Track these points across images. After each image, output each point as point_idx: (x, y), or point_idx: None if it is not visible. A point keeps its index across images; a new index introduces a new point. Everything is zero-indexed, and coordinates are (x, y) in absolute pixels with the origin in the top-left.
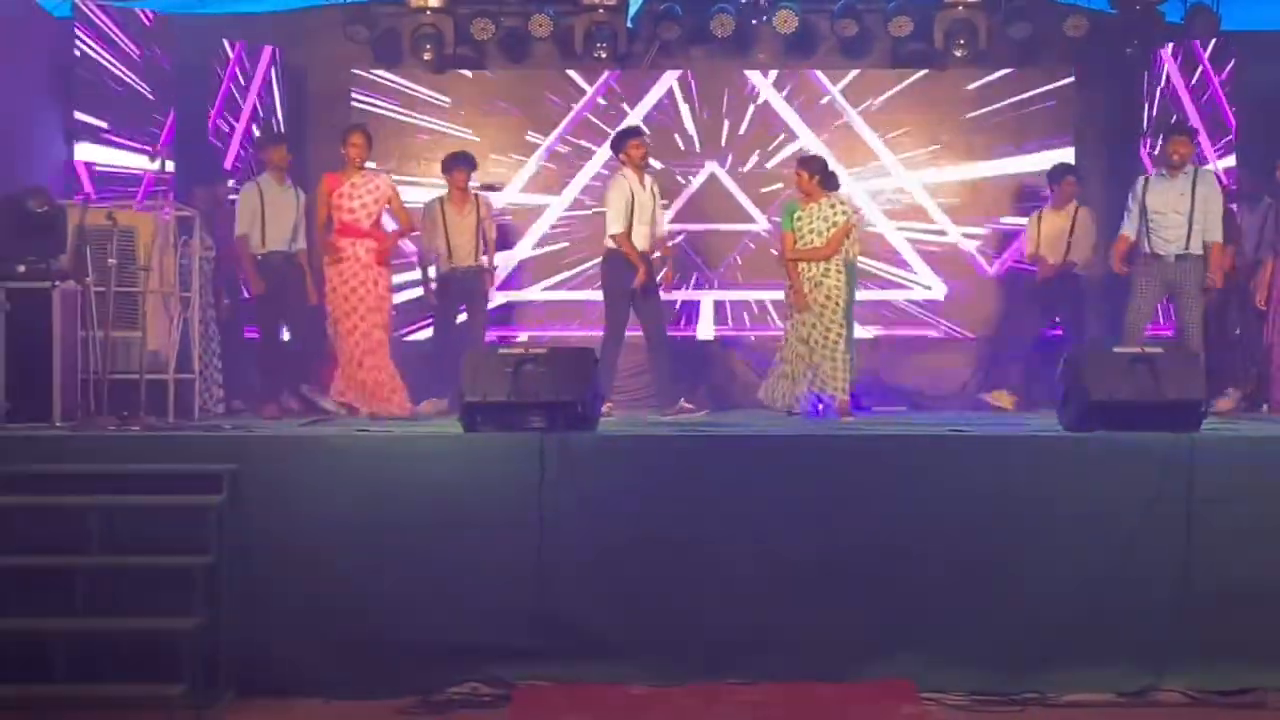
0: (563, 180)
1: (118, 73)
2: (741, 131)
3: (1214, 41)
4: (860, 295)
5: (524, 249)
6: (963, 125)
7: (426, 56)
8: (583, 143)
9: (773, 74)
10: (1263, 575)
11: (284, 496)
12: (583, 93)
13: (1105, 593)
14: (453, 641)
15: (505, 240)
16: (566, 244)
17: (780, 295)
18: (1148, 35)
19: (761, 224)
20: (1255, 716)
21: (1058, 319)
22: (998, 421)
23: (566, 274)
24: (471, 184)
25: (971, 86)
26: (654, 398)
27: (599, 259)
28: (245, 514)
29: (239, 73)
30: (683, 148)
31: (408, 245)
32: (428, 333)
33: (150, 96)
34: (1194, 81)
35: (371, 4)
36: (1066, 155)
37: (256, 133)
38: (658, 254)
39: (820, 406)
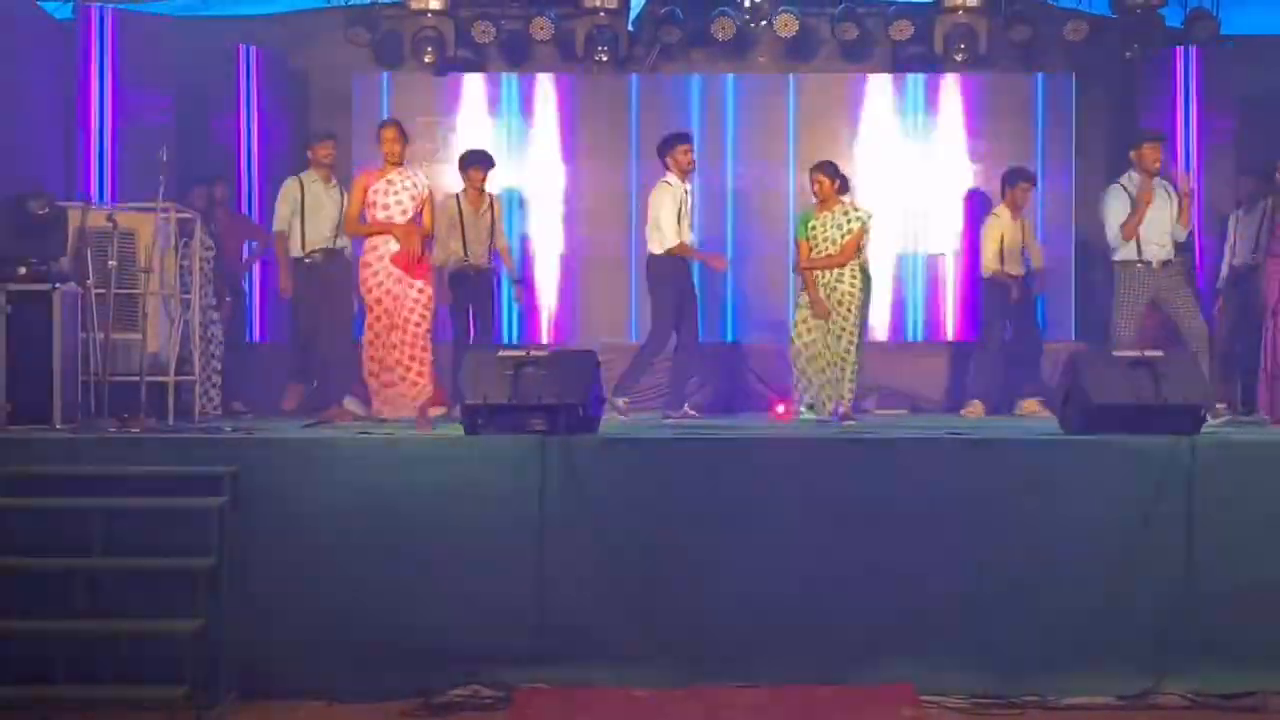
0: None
1: (119, 75)
2: (741, 135)
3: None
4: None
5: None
6: (962, 128)
7: (428, 59)
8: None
9: (775, 77)
10: (1263, 578)
11: (285, 498)
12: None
13: (1105, 596)
14: (454, 644)
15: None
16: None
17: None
18: (1147, 39)
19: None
20: None
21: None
22: (996, 425)
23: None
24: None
25: (971, 90)
26: (665, 399)
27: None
28: (246, 516)
29: (240, 75)
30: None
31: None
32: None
33: (151, 99)
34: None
35: (372, 6)
36: (1067, 160)
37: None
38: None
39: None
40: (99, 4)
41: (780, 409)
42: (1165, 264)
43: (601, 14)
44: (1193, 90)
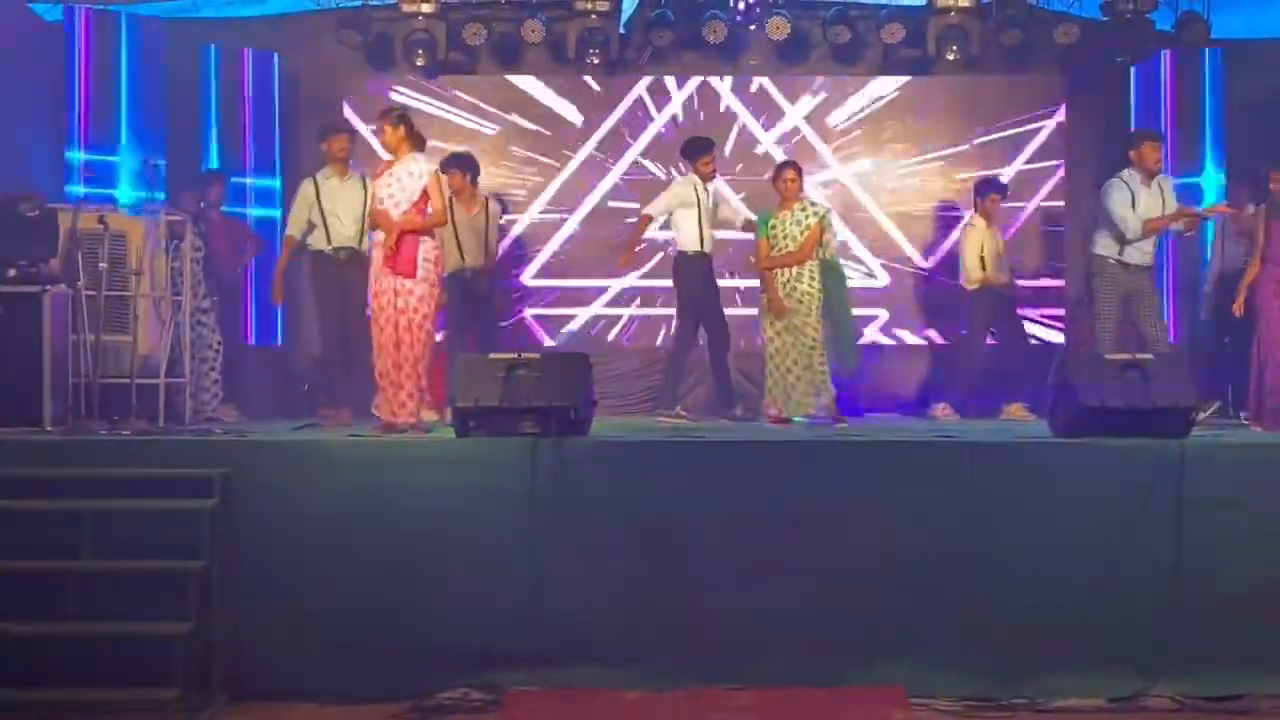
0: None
1: (109, 77)
2: (732, 137)
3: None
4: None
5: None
6: (953, 132)
7: (419, 61)
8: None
9: (764, 79)
10: (1252, 581)
11: (276, 501)
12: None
13: (1095, 598)
14: (445, 646)
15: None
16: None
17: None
18: (1138, 43)
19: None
20: None
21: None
22: (988, 427)
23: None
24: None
25: (963, 94)
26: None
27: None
28: (238, 518)
29: (231, 78)
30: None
31: None
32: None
33: (142, 100)
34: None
35: (364, 9)
36: (1057, 163)
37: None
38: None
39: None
40: (89, 6)
41: (773, 411)
42: (1143, 268)
43: (593, 16)
44: (1181, 94)
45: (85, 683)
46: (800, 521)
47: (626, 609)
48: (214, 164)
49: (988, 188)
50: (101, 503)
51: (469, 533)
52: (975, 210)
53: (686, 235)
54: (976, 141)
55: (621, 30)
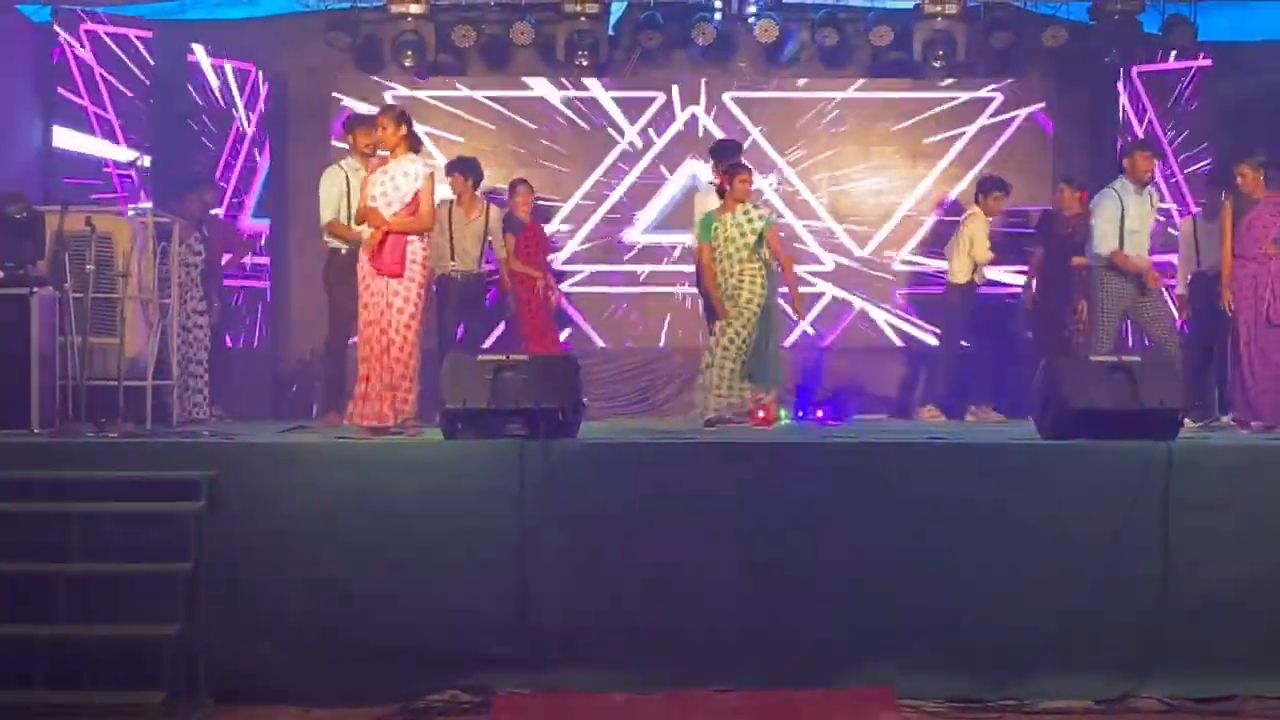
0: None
1: (98, 79)
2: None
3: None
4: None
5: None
6: (941, 133)
7: (408, 63)
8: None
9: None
10: (1240, 583)
11: (263, 503)
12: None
13: (1083, 600)
14: (433, 649)
15: None
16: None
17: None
18: (1126, 46)
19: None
20: None
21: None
22: (976, 430)
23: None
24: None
25: (951, 95)
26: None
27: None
28: (225, 521)
29: (220, 79)
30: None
31: None
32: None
33: (130, 103)
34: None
35: (353, 11)
36: (1045, 164)
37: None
38: None
39: (820, 413)
40: (77, 8)
41: (760, 413)
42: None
43: (582, 19)
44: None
45: (71, 685)
46: (787, 523)
47: (614, 611)
48: (203, 166)
49: (990, 186)
50: (88, 505)
51: (456, 535)
52: (976, 206)
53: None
54: (962, 145)
55: (610, 32)
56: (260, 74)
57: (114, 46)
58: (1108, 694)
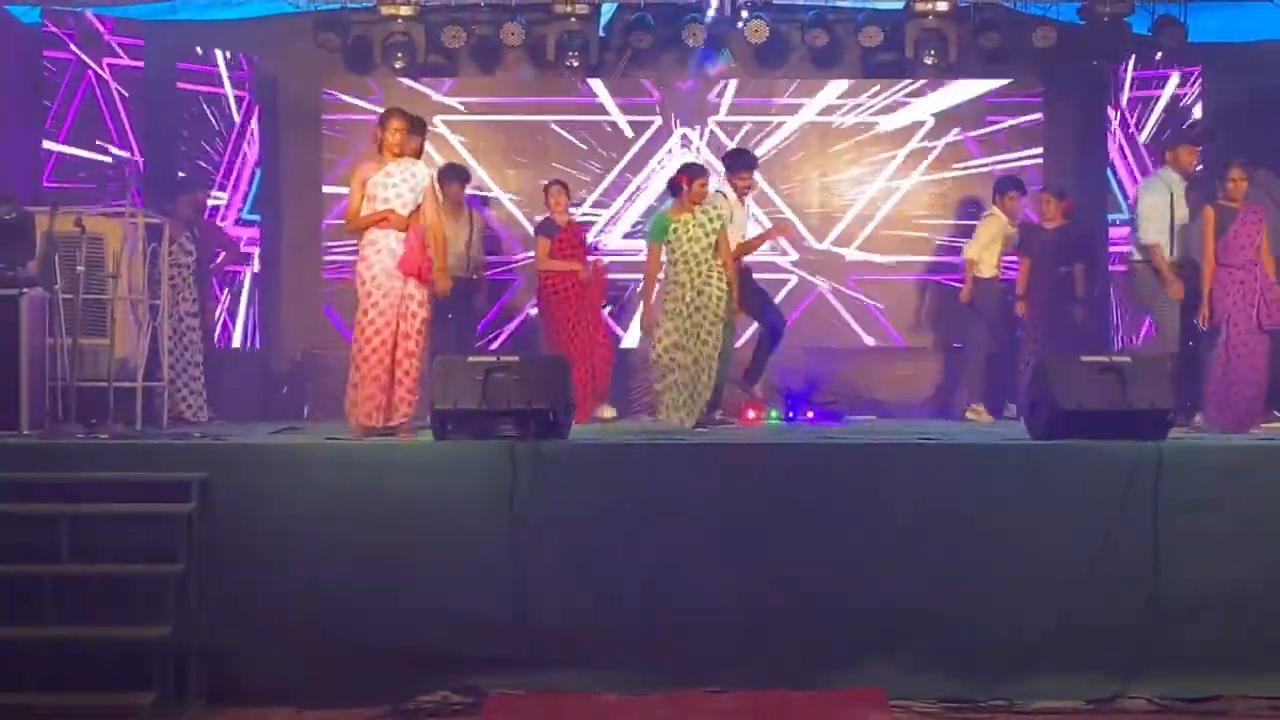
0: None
1: (87, 80)
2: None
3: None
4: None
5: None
6: (931, 135)
7: (398, 64)
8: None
9: (744, 82)
10: (1229, 583)
11: (254, 504)
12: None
13: (1073, 601)
14: (424, 650)
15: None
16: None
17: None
18: (1116, 46)
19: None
20: None
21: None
22: (966, 430)
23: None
24: None
25: (942, 96)
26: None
27: None
28: (215, 522)
29: (210, 80)
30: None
31: None
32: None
33: (121, 103)
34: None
35: (343, 11)
36: (1034, 166)
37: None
38: None
39: (810, 414)
40: (67, 9)
41: (750, 414)
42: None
43: (572, 19)
44: (1158, 97)
45: (62, 687)
46: (779, 524)
47: (606, 612)
48: (193, 167)
49: (1007, 185)
50: (79, 506)
51: (448, 536)
52: (995, 206)
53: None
54: (952, 145)
55: (601, 33)
56: (251, 75)
57: (104, 47)
58: (1098, 694)
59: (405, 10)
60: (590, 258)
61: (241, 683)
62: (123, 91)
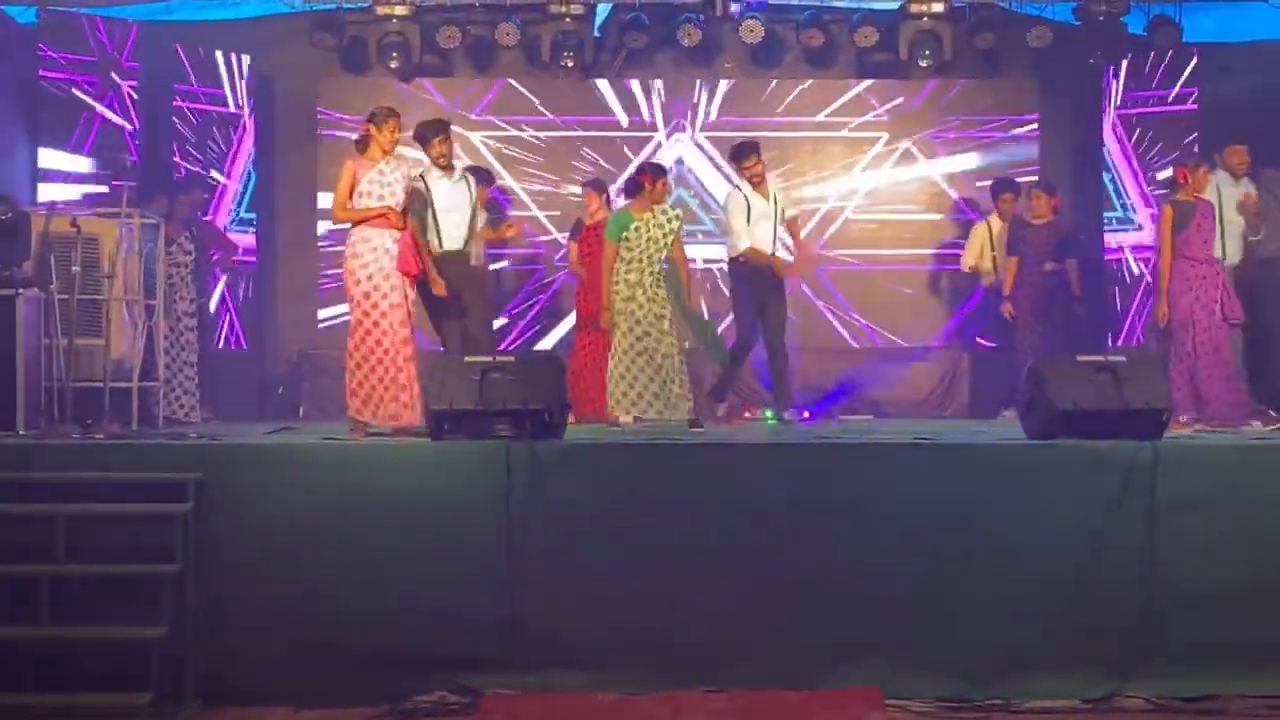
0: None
1: (83, 80)
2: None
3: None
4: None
5: None
6: (926, 134)
7: (393, 64)
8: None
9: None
10: (1225, 582)
11: (251, 505)
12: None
13: (1069, 600)
14: (421, 650)
15: None
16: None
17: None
18: (1111, 46)
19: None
20: None
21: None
22: (962, 430)
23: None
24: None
25: (936, 96)
26: (775, 401)
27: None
28: (212, 522)
29: (206, 80)
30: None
31: None
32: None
33: (116, 103)
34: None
35: (338, 12)
36: (1030, 165)
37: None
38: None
39: (806, 414)
40: (63, 9)
41: (746, 414)
42: (1234, 267)
43: (567, 19)
44: (1153, 98)
45: (58, 687)
46: (775, 523)
47: (602, 612)
48: (190, 167)
49: (1000, 188)
50: (75, 507)
51: (444, 536)
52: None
53: (739, 239)
54: (947, 145)
55: (596, 33)
56: (246, 75)
57: (100, 48)
58: (1094, 693)
59: (400, 10)
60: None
61: (238, 683)
62: (119, 92)
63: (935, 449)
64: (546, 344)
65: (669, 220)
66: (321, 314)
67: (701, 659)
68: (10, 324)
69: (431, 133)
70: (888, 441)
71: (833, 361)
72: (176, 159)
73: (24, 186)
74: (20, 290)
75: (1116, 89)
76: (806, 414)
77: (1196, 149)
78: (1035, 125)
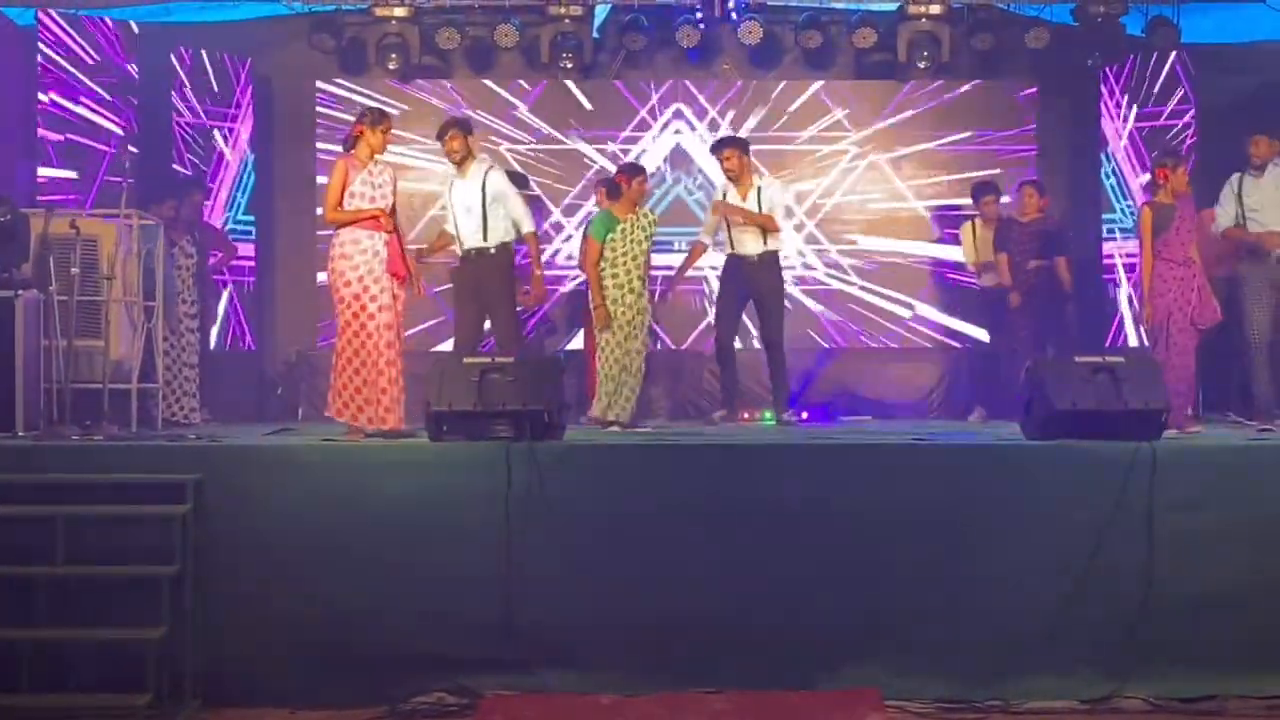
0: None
1: (82, 82)
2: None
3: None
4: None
5: None
6: (926, 136)
7: (392, 66)
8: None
9: (738, 84)
10: (1224, 582)
11: (249, 506)
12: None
13: (1068, 601)
14: (419, 651)
15: None
16: None
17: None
18: (1109, 47)
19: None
20: None
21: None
22: (961, 431)
23: None
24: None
25: (934, 97)
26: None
27: None
28: (210, 523)
29: (205, 82)
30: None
31: None
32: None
33: (115, 106)
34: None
35: (337, 13)
36: (1028, 166)
37: (219, 142)
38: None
39: (804, 414)
40: (62, 10)
41: (745, 415)
42: None
43: (566, 21)
44: (1150, 99)
45: (57, 688)
46: (773, 524)
47: (601, 612)
48: (186, 169)
49: (982, 190)
50: (74, 508)
51: (443, 537)
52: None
53: (742, 239)
54: (946, 147)
55: (595, 35)
56: (245, 77)
57: (99, 49)
58: (1093, 694)
59: (399, 12)
60: None
61: (237, 684)
62: (117, 93)
63: (934, 449)
64: (577, 344)
65: (650, 224)
66: (320, 313)
67: (700, 659)
68: (9, 325)
69: (442, 130)
70: (887, 443)
71: (832, 362)
72: (175, 161)
73: (23, 187)
74: (19, 292)
75: (1115, 90)
76: (805, 414)
77: (1191, 151)
78: (1033, 126)
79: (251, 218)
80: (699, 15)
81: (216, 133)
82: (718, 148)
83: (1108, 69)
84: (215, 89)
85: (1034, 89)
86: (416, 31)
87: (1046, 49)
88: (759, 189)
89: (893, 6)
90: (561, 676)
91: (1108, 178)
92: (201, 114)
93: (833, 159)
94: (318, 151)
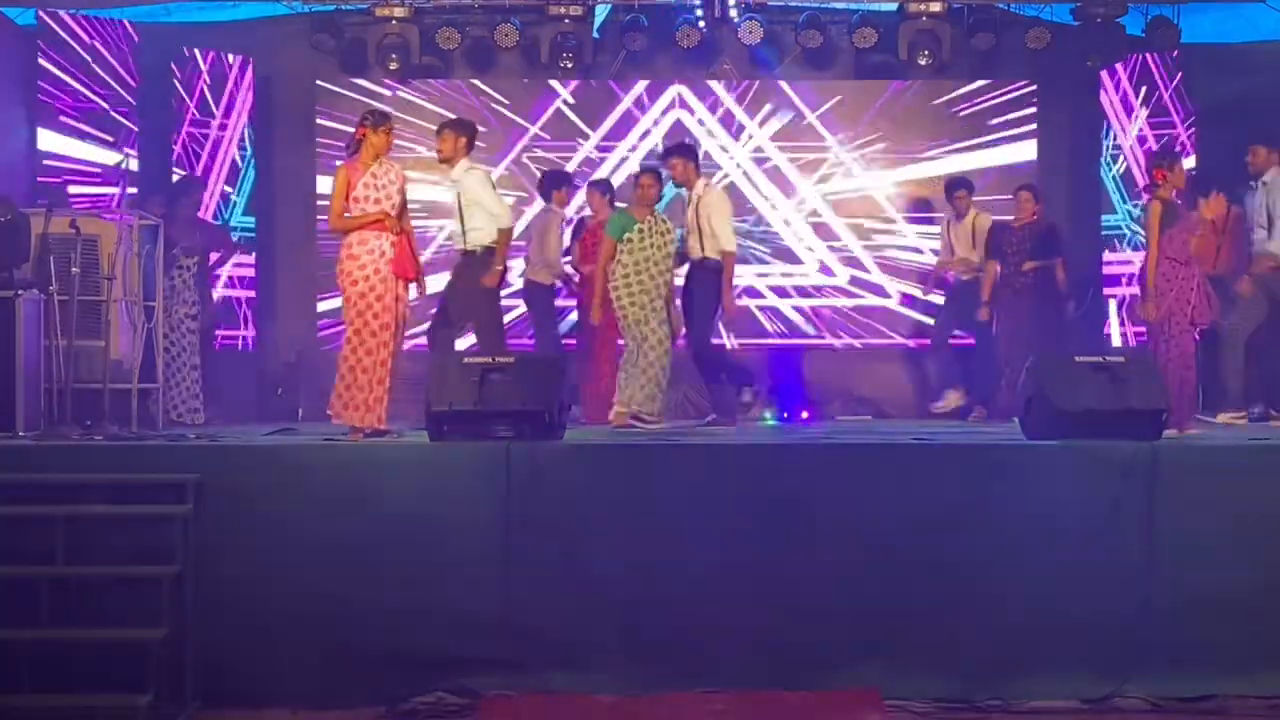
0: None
1: (82, 82)
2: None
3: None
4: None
5: None
6: (926, 135)
7: (392, 66)
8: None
9: (738, 84)
10: (1223, 582)
11: (250, 506)
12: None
13: (1068, 600)
14: (420, 651)
15: None
16: None
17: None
18: (1109, 47)
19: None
20: None
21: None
22: (961, 430)
23: None
24: None
25: (934, 97)
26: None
27: None
28: (211, 523)
29: (205, 82)
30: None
31: None
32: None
33: (115, 105)
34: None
35: (337, 13)
36: (1028, 165)
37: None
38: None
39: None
40: (62, 10)
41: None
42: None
43: (566, 21)
44: (1150, 98)
45: (58, 688)
46: (774, 524)
47: (601, 612)
48: (186, 169)
49: (955, 186)
50: (74, 508)
51: (443, 537)
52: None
53: (690, 244)
54: (945, 146)
55: (595, 35)
56: (245, 77)
57: (99, 49)
58: (1093, 693)
59: (399, 12)
60: None
61: (237, 684)
62: (117, 93)
63: (935, 449)
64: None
65: (668, 231)
66: (321, 314)
67: (700, 660)
68: (10, 325)
69: (438, 129)
70: (886, 442)
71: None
72: (175, 161)
73: (23, 187)
74: (20, 292)
75: (1115, 90)
76: (805, 414)
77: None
78: (1033, 126)
79: (251, 218)
80: (699, 15)
81: (216, 133)
82: (665, 156)
83: (1108, 69)
84: (215, 89)
85: (1034, 88)
86: (416, 32)
87: (1046, 49)
88: (698, 198)
89: (893, 6)
90: (562, 676)
91: (1108, 178)
92: (202, 113)
93: (832, 158)
94: (318, 151)
